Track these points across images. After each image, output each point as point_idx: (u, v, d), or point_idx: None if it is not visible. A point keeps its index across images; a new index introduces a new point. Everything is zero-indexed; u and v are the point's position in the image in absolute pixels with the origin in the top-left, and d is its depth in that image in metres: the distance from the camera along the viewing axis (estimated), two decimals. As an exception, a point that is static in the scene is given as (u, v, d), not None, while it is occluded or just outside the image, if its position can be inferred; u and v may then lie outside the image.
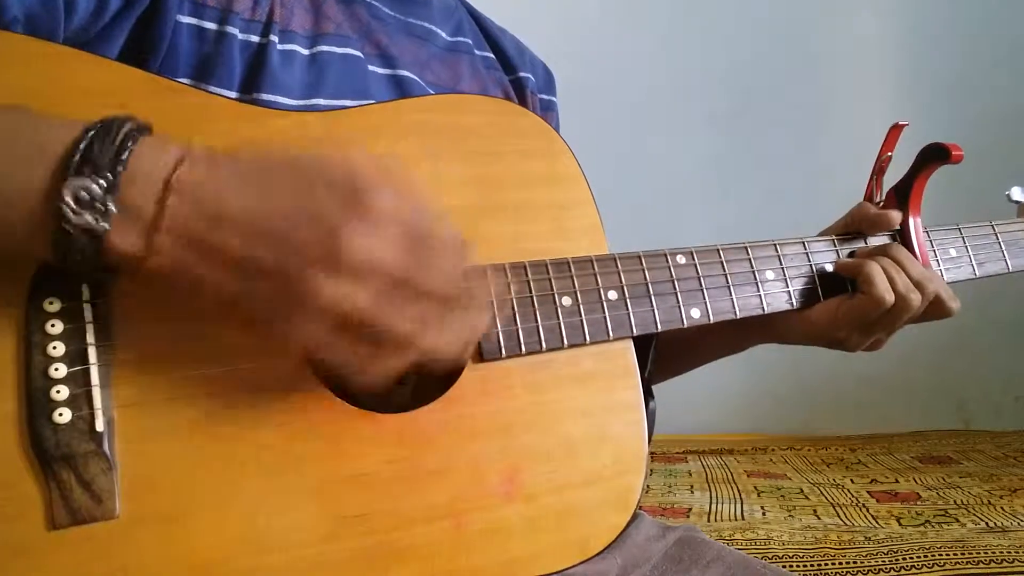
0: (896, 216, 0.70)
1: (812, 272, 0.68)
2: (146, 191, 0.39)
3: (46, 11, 0.51)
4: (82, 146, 0.39)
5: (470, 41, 0.79)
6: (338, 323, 0.40)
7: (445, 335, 0.43)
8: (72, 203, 0.38)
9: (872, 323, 0.67)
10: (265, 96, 0.59)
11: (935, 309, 0.69)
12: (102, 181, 0.38)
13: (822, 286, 0.67)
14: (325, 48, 0.64)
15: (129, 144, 0.39)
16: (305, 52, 0.63)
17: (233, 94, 0.58)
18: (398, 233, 0.40)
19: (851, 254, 0.69)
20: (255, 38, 0.61)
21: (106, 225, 0.38)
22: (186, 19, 0.58)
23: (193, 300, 0.42)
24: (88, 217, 0.38)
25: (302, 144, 0.45)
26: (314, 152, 0.42)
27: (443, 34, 0.76)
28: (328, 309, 0.39)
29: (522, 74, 0.82)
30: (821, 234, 0.72)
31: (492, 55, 0.81)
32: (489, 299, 0.45)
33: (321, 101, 0.62)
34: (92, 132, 0.39)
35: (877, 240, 0.71)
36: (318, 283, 0.39)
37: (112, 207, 0.38)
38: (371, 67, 0.68)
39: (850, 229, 0.72)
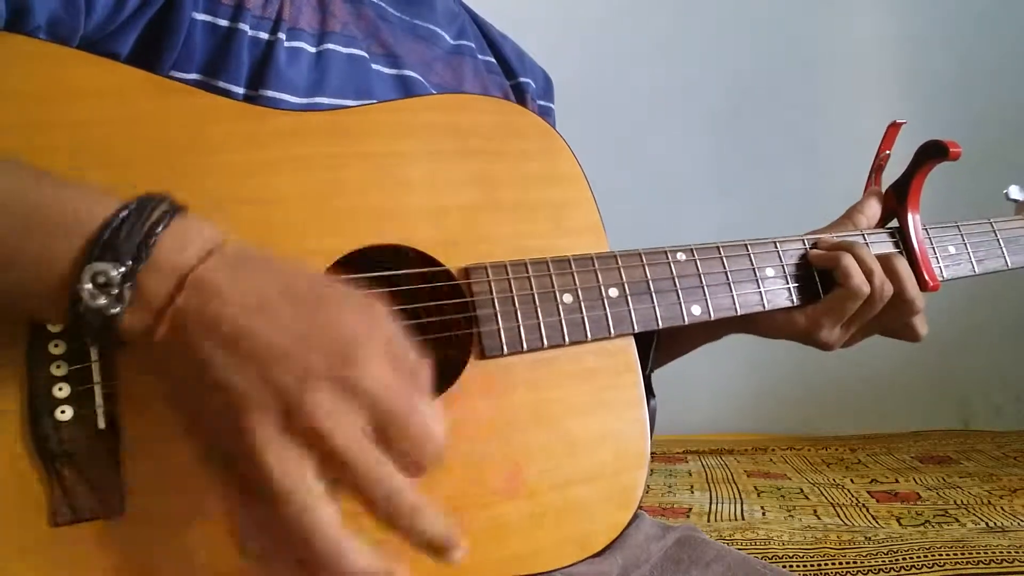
0: (874, 195, 0.72)
1: (812, 269, 0.68)
2: (164, 279, 0.39)
3: (67, 13, 0.51)
4: (110, 229, 0.39)
5: (473, 45, 0.80)
6: (263, 478, 0.36)
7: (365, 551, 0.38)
8: (89, 287, 0.38)
9: (851, 317, 0.67)
10: (270, 93, 0.59)
11: (908, 330, 0.69)
12: (123, 269, 0.38)
13: (821, 282, 0.68)
14: (331, 46, 0.65)
15: (158, 230, 0.39)
16: (312, 50, 0.64)
17: (240, 90, 0.59)
18: (372, 408, 0.37)
19: (814, 245, 0.69)
20: (264, 35, 0.61)
21: (118, 310, 0.38)
22: (201, 16, 0.59)
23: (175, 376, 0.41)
24: (103, 301, 0.38)
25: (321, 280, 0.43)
26: (338, 293, 0.41)
27: (447, 37, 0.77)
28: (260, 458, 0.36)
29: (522, 79, 0.83)
30: (820, 232, 0.72)
31: (493, 60, 0.82)
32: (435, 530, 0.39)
33: (324, 100, 0.62)
34: (124, 213, 0.39)
35: (875, 237, 0.71)
36: (265, 426, 0.36)
37: (127, 294, 0.38)
38: (376, 67, 0.68)
39: (846, 228, 0.72)
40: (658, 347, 0.76)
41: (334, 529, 0.36)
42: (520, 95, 0.82)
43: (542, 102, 0.85)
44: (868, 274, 0.66)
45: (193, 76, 0.58)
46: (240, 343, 0.38)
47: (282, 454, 0.36)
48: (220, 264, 0.39)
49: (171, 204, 0.41)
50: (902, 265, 0.67)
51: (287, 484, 0.36)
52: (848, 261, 0.66)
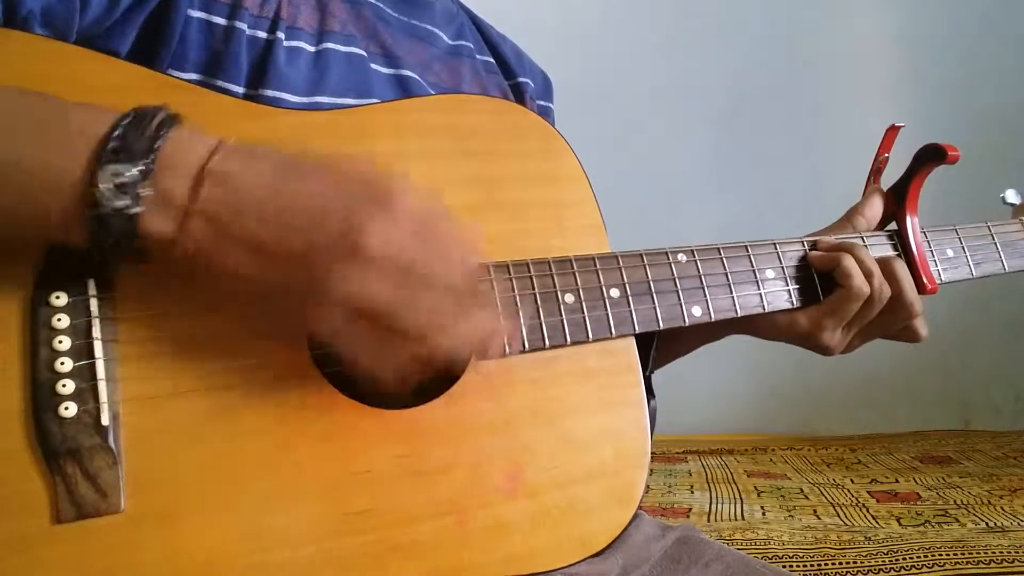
0: (876, 194, 0.72)
1: (812, 271, 0.68)
2: (181, 177, 0.40)
3: (62, 5, 0.52)
4: (117, 133, 0.40)
5: (471, 45, 0.80)
6: (356, 312, 0.42)
7: (458, 331, 0.44)
8: (107, 188, 0.39)
9: (851, 319, 0.67)
10: (270, 92, 0.59)
11: (909, 332, 0.70)
12: (139, 167, 0.39)
13: (821, 284, 0.68)
14: (330, 46, 0.65)
15: (163, 132, 0.41)
16: (311, 49, 0.64)
17: (240, 89, 0.59)
18: (416, 229, 0.42)
19: (813, 246, 0.69)
20: (262, 34, 0.61)
21: (140, 209, 0.40)
22: (197, 14, 0.59)
23: (216, 285, 0.44)
24: (123, 201, 0.39)
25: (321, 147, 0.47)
26: (342, 155, 0.44)
27: (445, 37, 0.77)
28: (347, 297, 0.41)
29: (521, 79, 0.83)
30: (819, 233, 0.72)
31: (492, 60, 0.82)
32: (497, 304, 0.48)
33: (324, 99, 0.63)
34: (127, 120, 0.41)
35: (874, 240, 0.71)
36: (339, 272, 0.40)
37: (146, 192, 0.40)
38: (375, 66, 0.68)
39: (846, 230, 0.72)
40: (658, 347, 0.76)
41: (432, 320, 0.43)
42: (519, 95, 0.82)
43: (541, 102, 0.85)
44: (868, 275, 0.66)
45: (191, 76, 0.58)
46: (282, 213, 0.41)
47: (363, 288, 0.41)
48: (229, 156, 0.41)
49: (167, 112, 0.42)
50: (901, 268, 0.67)
51: (383, 307, 0.41)
52: (848, 262, 0.66)
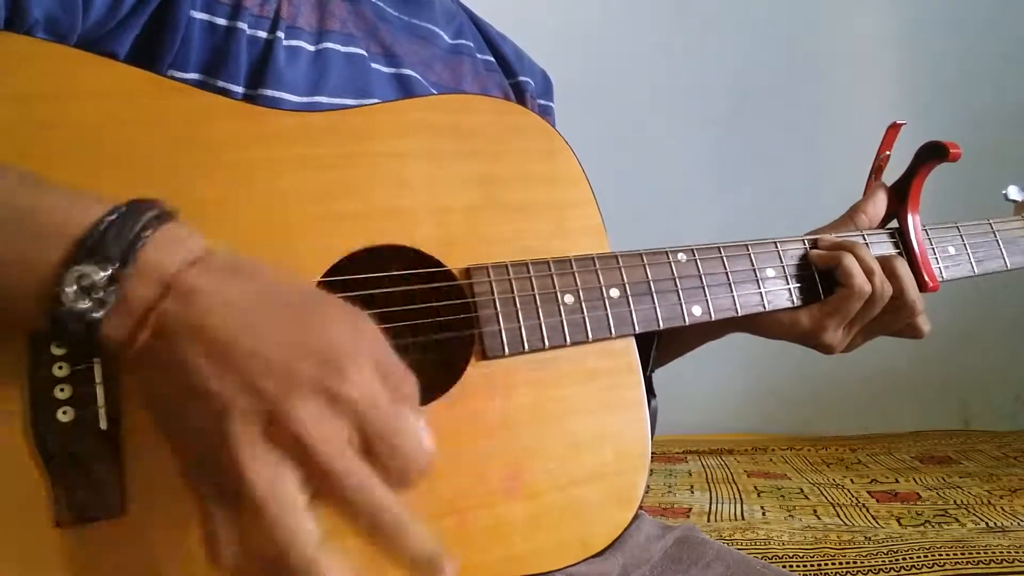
0: (880, 190, 0.72)
1: (812, 270, 0.68)
2: (148, 283, 0.38)
3: (65, 11, 0.51)
4: (99, 230, 0.38)
5: (471, 44, 0.80)
6: (245, 486, 0.36)
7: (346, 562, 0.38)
8: (72, 289, 0.37)
9: (853, 317, 0.67)
10: (269, 92, 0.59)
11: (911, 329, 0.69)
12: (108, 271, 0.37)
13: (822, 284, 0.68)
14: (330, 45, 0.65)
15: (146, 234, 0.39)
16: (310, 48, 0.64)
17: (239, 89, 0.59)
18: (357, 418, 0.37)
19: (814, 244, 0.69)
20: (262, 33, 0.61)
21: (101, 314, 0.38)
22: (199, 14, 0.59)
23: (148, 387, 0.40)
24: (85, 304, 0.37)
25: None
26: (325, 303, 0.40)
27: (445, 36, 0.77)
28: (241, 466, 0.36)
29: (522, 78, 0.83)
30: (820, 231, 0.72)
31: (492, 59, 0.82)
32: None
33: (323, 99, 0.62)
34: (113, 217, 0.39)
35: (875, 238, 0.71)
36: (247, 433, 0.36)
37: (111, 299, 0.38)
38: (375, 65, 0.68)
39: (847, 228, 0.72)
40: (659, 345, 0.76)
41: (311, 543, 0.35)
42: (519, 94, 0.82)
43: (542, 101, 0.85)
44: (869, 274, 0.66)
45: (192, 76, 0.58)
46: (224, 350, 0.37)
47: (263, 461, 0.35)
48: (207, 271, 0.39)
49: (161, 210, 0.40)
50: (902, 267, 0.67)
51: (267, 492, 0.35)
52: (849, 261, 0.66)
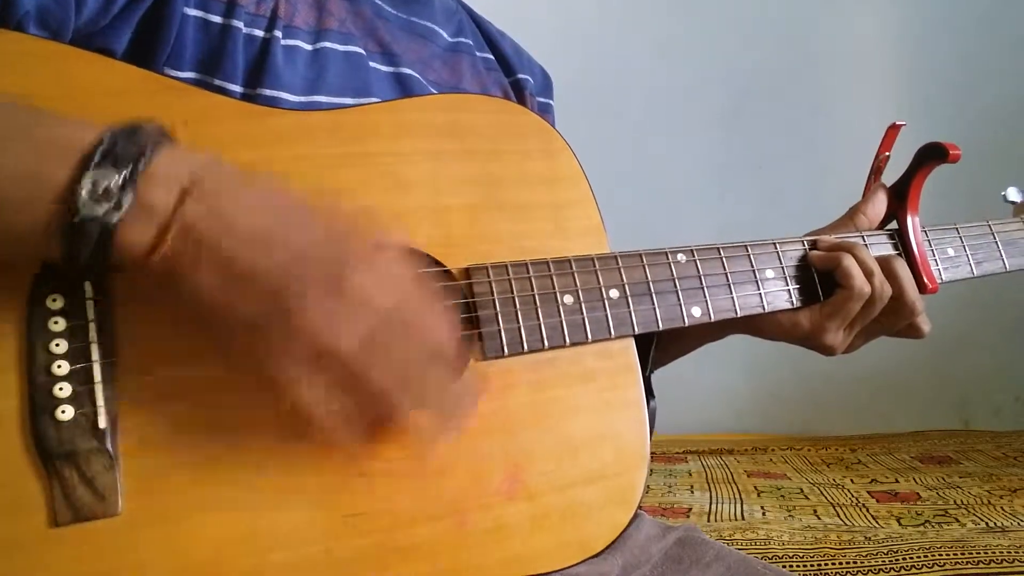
0: (880, 191, 0.72)
1: (812, 271, 0.68)
2: (165, 189, 0.39)
3: (58, 5, 0.51)
4: (106, 140, 0.39)
5: (471, 42, 0.79)
6: (318, 357, 0.39)
7: (422, 398, 0.42)
8: (87, 194, 0.38)
9: (854, 319, 0.67)
10: (267, 92, 0.59)
11: (911, 329, 0.69)
12: (123, 173, 0.38)
13: (821, 284, 0.68)
14: (328, 44, 0.65)
15: (155, 144, 0.40)
16: (308, 47, 0.64)
17: (237, 88, 0.59)
18: (398, 287, 0.41)
19: (813, 245, 0.69)
20: (259, 32, 0.61)
21: (117, 217, 0.38)
22: (193, 12, 0.58)
23: (187, 303, 0.41)
24: (101, 208, 0.38)
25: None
26: (338, 203, 0.43)
27: (445, 34, 0.77)
28: (314, 337, 0.38)
29: (521, 76, 0.82)
30: (820, 232, 0.72)
31: (492, 57, 0.82)
32: (468, 394, 0.45)
33: (322, 98, 0.62)
34: (118, 131, 0.40)
35: (874, 239, 0.71)
36: (312, 309, 0.38)
37: (127, 201, 0.38)
38: (374, 64, 0.68)
39: (847, 229, 0.72)
40: (660, 346, 0.75)
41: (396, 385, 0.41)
42: (519, 91, 0.82)
43: (541, 98, 0.85)
44: (868, 275, 0.65)
45: (188, 74, 0.58)
46: (265, 240, 0.39)
47: (336, 324, 0.39)
48: (222, 173, 0.40)
49: (162, 127, 0.42)
50: (902, 268, 0.67)
51: (348, 354, 0.40)
52: (849, 262, 0.66)
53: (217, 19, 0.59)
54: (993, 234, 0.76)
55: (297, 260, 0.39)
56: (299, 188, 0.43)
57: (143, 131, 0.40)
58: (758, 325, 0.70)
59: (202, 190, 0.39)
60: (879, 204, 0.73)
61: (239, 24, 0.60)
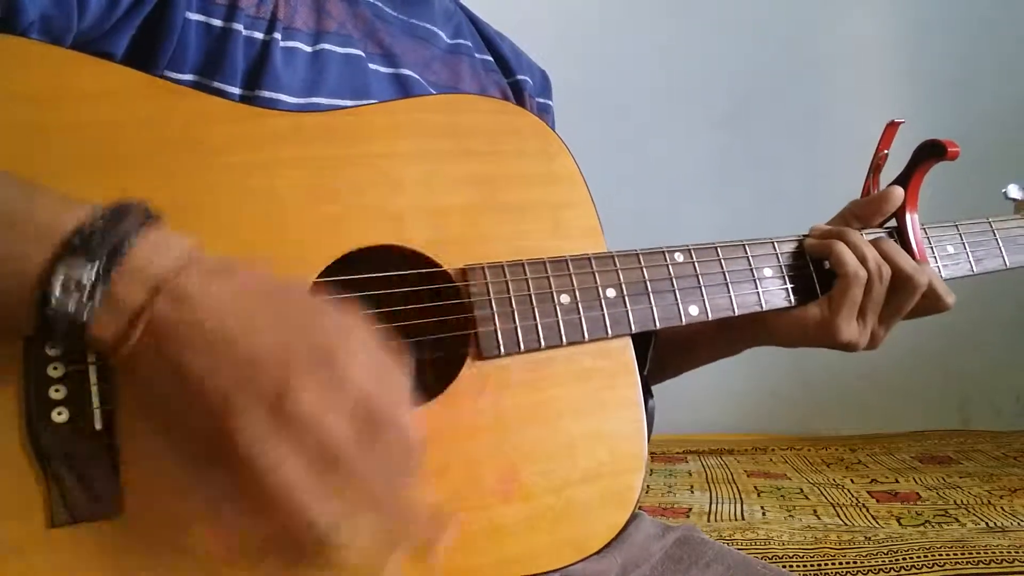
0: (897, 190, 0.70)
1: (810, 269, 0.68)
2: (138, 285, 0.38)
3: (60, 11, 0.51)
4: (86, 230, 0.38)
5: (470, 44, 0.80)
6: (255, 478, 0.36)
7: (360, 539, 0.38)
8: (58, 289, 0.37)
9: (861, 306, 0.66)
10: (266, 93, 0.59)
11: (930, 303, 0.68)
12: (95, 269, 0.38)
13: (819, 282, 0.68)
14: (327, 46, 0.65)
15: (133, 236, 0.39)
16: (308, 49, 0.64)
17: (236, 91, 0.59)
18: (354, 407, 0.37)
19: (806, 235, 0.69)
20: (259, 34, 0.61)
21: (86, 315, 0.38)
22: (195, 16, 0.58)
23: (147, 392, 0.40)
24: (72, 303, 0.37)
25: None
26: (317, 303, 0.41)
27: (444, 36, 0.77)
28: (251, 458, 0.36)
29: (520, 77, 0.83)
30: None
31: (491, 58, 0.82)
32: (421, 522, 0.40)
33: (321, 100, 0.62)
34: (100, 217, 0.39)
35: (873, 236, 0.71)
36: (253, 425, 0.36)
37: (98, 298, 0.38)
38: (373, 66, 0.68)
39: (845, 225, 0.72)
40: (669, 358, 0.76)
41: (331, 522, 0.36)
42: (518, 93, 0.82)
43: (540, 99, 0.85)
44: (862, 259, 0.65)
45: (188, 77, 0.58)
46: (220, 348, 0.37)
47: (270, 448, 0.36)
48: (196, 274, 0.39)
49: (147, 212, 0.40)
50: (891, 246, 0.67)
51: (278, 478, 0.36)
52: (840, 248, 0.66)
53: (218, 22, 0.60)
54: (993, 231, 0.76)
55: (251, 372, 0.37)
56: (281, 282, 0.41)
57: (126, 217, 0.39)
58: (771, 332, 0.69)
59: (174, 289, 0.38)
60: (892, 203, 0.71)
61: (239, 27, 0.60)
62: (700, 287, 0.63)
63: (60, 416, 0.44)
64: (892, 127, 0.73)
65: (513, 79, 0.82)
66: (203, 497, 0.38)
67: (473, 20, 0.84)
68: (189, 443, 0.38)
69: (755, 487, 1.84)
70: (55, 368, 0.44)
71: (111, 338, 0.38)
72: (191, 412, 0.38)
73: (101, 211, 0.39)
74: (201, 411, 0.37)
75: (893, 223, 0.73)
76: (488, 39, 0.83)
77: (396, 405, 0.39)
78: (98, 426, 0.44)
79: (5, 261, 0.39)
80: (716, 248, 0.64)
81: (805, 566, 1.23)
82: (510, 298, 0.55)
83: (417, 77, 0.71)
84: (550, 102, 0.87)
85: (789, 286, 0.67)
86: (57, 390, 0.44)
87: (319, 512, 0.36)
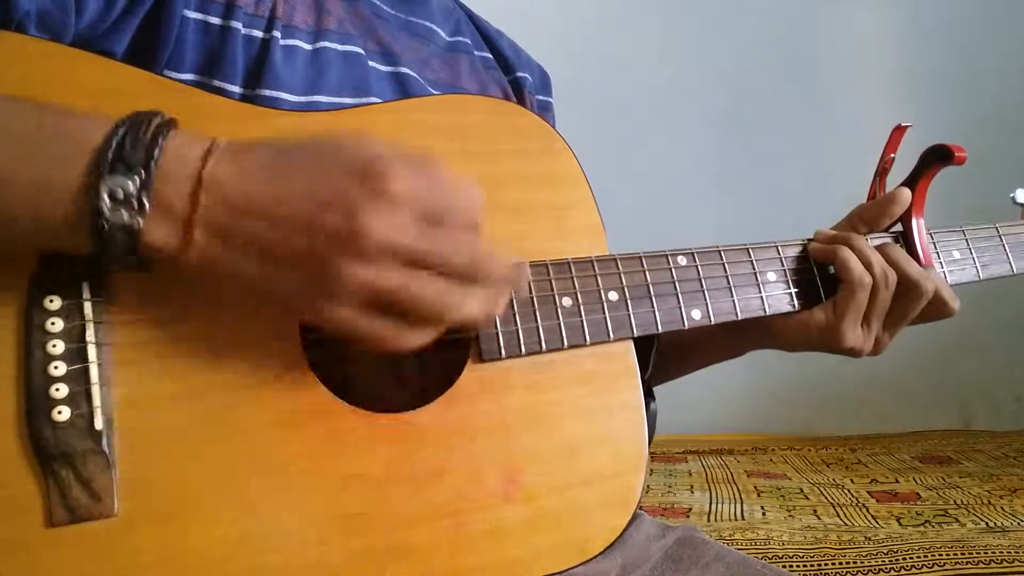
0: (904, 191, 0.70)
1: (814, 273, 0.68)
2: (178, 187, 0.40)
3: (57, 8, 0.51)
4: (114, 143, 0.40)
5: (469, 41, 0.79)
6: (367, 302, 0.42)
7: (468, 307, 0.45)
8: (108, 201, 0.39)
9: (866, 311, 0.66)
10: (267, 92, 0.59)
11: (936, 308, 0.68)
12: (137, 178, 0.40)
13: (824, 287, 0.67)
14: (327, 44, 0.65)
15: (159, 140, 0.41)
16: (307, 47, 0.63)
17: (237, 89, 0.59)
18: (414, 212, 0.42)
19: (811, 239, 0.68)
20: (258, 33, 0.61)
21: (141, 221, 0.40)
22: (193, 14, 0.58)
23: (226, 288, 0.45)
24: (124, 214, 0.40)
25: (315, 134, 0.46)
26: (331, 136, 0.44)
27: (443, 33, 0.77)
28: (356, 290, 0.41)
29: (520, 74, 0.82)
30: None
31: (490, 56, 0.81)
32: (504, 273, 0.47)
33: (322, 98, 0.62)
34: (123, 128, 0.41)
35: (878, 242, 0.70)
36: (345, 267, 0.41)
37: (147, 204, 0.40)
38: (373, 64, 0.68)
39: (852, 229, 0.72)
40: (673, 360, 0.76)
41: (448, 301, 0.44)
42: (518, 90, 0.82)
43: (540, 96, 0.85)
44: (868, 264, 0.65)
45: (188, 76, 0.58)
46: (277, 209, 0.41)
47: (372, 281, 0.41)
48: (223, 157, 0.41)
49: (163, 117, 0.42)
50: (897, 252, 0.67)
51: (396, 296, 0.42)
52: (846, 254, 0.65)
53: (216, 21, 0.59)
54: (1000, 236, 0.75)
55: (315, 223, 0.41)
56: (299, 138, 0.44)
57: (146, 125, 0.41)
58: (773, 336, 0.69)
59: (211, 178, 0.41)
60: (900, 205, 0.70)
61: (238, 25, 0.60)
62: (703, 291, 0.62)
63: (60, 415, 0.44)
64: (899, 131, 0.72)
65: (513, 76, 0.82)
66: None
67: (472, 17, 0.84)
68: (301, 293, 0.42)
69: (755, 487, 1.84)
70: (56, 367, 0.44)
71: (170, 245, 0.41)
72: (284, 274, 0.42)
73: (122, 120, 0.41)
74: (291, 268, 0.41)
75: (899, 228, 0.73)
76: (487, 36, 0.83)
77: (443, 191, 0.44)
78: (98, 425, 0.44)
79: (45, 181, 0.40)
80: (720, 252, 0.64)
81: (805, 566, 1.23)
82: (512, 300, 0.55)
83: (415, 76, 0.70)
84: (550, 99, 0.87)
85: (793, 291, 0.67)
86: (57, 389, 0.44)
87: (431, 304, 0.43)
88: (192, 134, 0.43)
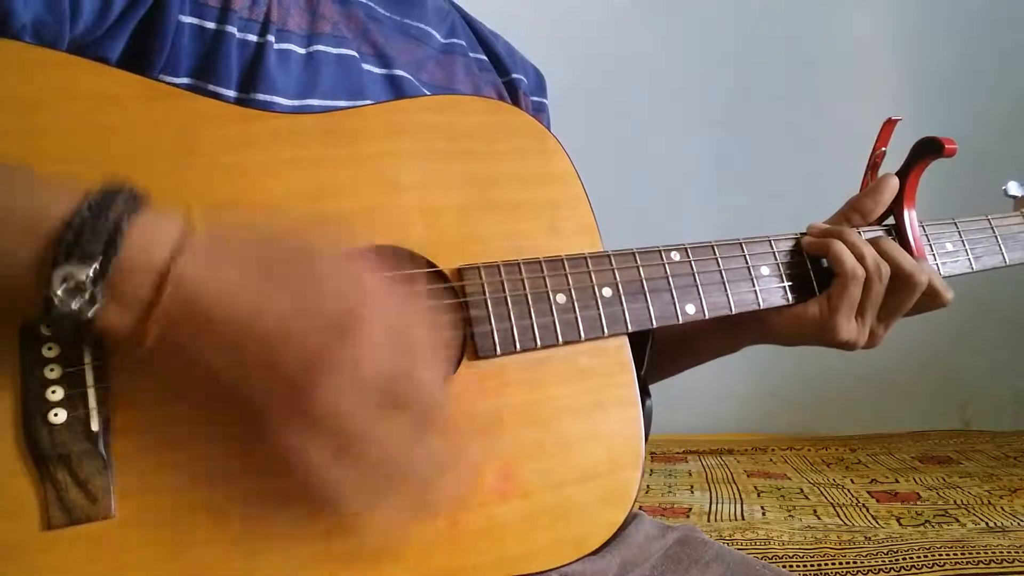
0: (891, 177, 0.70)
1: (807, 267, 0.68)
2: (140, 281, 0.38)
3: (52, 16, 0.51)
4: (74, 225, 0.38)
5: (464, 43, 0.79)
6: (312, 434, 0.40)
7: (382, 510, 0.43)
8: (59, 290, 0.37)
9: (860, 304, 0.66)
10: (261, 96, 0.59)
11: (929, 300, 0.68)
12: (92, 269, 0.38)
13: (817, 280, 0.67)
14: (321, 48, 0.65)
15: (123, 227, 0.38)
16: (301, 51, 0.64)
17: (231, 93, 0.59)
18: (371, 395, 0.40)
19: (804, 233, 0.69)
20: (252, 37, 0.61)
21: (92, 313, 0.38)
22: (188, 19, 0.59)
23: (177, 379, 0.43)
24: (75, 305, 0.38)
25: (304, 219, 0.45)
26: (318, 250, 0.42)
27: (438, 36, 0.77)
28: (283, 443, 0.40)
29: (514, 76, 0.83)
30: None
31: (485, 57, 0.82)
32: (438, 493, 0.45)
33: (315, 102, 0.62)
34: (86, 209, 0.38)
35: (870, 235, 0.71)
36: (279, 421, 0.39)
37: (99, 296, 0.38)
38: (367, 67, 0.68)
39: (846, 221, 0.72)
40: (669, 356, 0.75)
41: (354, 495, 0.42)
42: (513, 91, 0.82)
43: (535, 98, 0.85)
44: (860, 257, 0.65)
45: (183, 80, 0.58)
46: (236, 338, 0.39)
47: (295, 439, 0.40)
48: (195, 256, 0.39)
49: (133, 195, 0.40)
50: (890, 244, 0.67)
51: (303, 465, 0.40)
52: (838, 247, 0.66)
53: (211, 25, 0.60)
54: (992, 228, 0.76)
55: (270, 365, 0.39)
56: (280, 243, 0.42)
57: (114, 204, 0.39)
58: (768, 330, 0.69)
59: (178, 277, 0.39)
60: (889, 191, 0.71)
61: (232, 29, 0.60)
62: (697, 285, 0.63)
63: (56, 417, 0.44)
64: (890, 124, 0.73)
65: (507, 78, 0.82)
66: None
67: (467, 19, 0.84)
68: (232, 422, 0.42)
69: (755, 487, 1.83)
70: (51, 370, 0.44)
71: (126, 333, 0.39)
72: (226, 402, 0.41)
73: (87, 198, 0.39)
74: (233, 395, 0.40)
75: (891, 221, 0.73)
76: (482, 38, 0.83)
77: (409, 381, 0.41)
78: (95, 427, 0.44)
79: (4, 264, 0.39)
80: (713, 247, 0.64)
81: (805, 566, 1.23)
82: (506, 298, 0.55)
83: (410, 78, 0.70)
84: (545, 100, 0.87)
85: (787, 284, 0.67)
86: (54, 391, 0.44)
87: (336, 492, 0.41)
88: (162, 217, 0.40)
